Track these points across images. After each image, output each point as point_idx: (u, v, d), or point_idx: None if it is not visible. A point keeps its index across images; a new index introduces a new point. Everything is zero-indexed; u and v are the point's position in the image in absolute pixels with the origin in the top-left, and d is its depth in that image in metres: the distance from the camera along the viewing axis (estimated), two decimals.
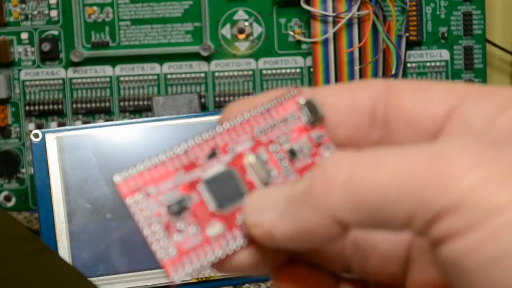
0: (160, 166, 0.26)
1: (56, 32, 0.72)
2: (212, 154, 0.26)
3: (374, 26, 0.66)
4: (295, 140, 0.27)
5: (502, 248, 0.20)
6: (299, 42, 0.71)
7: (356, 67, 0.67)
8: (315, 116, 0.27)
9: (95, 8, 0.71)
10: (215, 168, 0.26)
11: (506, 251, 0.20)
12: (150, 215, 0.25)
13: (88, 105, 0.72)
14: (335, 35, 0.67)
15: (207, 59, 0.72)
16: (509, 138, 0.24)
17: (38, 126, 0.72)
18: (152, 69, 0.72)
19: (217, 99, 0.71)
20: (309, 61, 0.71)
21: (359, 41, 0.67)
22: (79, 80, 0.72)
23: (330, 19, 0.67)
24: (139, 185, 0.25)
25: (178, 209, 0.25)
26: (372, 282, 0.28)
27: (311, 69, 0.70)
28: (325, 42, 0.67)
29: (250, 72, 0.71)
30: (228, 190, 0.26)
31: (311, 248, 0.26)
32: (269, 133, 0.26)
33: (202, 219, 0.25)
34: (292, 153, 0.26)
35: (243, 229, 0.25)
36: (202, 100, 0.71)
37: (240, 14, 0.71)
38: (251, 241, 0.25)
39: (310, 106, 0.27)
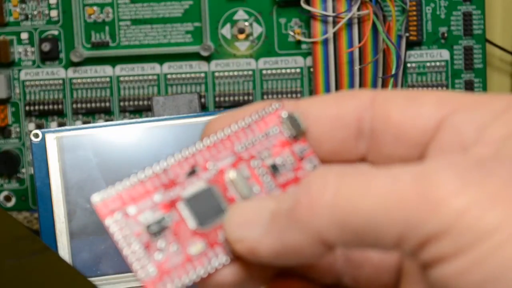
0: (139, 185, 0.25)
1: (56, 32, 0.72)
2: (192, 172, 0.26)
3: (374, 26, 0.66)
4: (277, 155, 0.26)
5: (491, 272, 0.21)
6: (299, 42, 0.71)
7: (356, 67, 0.67)
8: (297, 130, 0.26)
9: (95, 8, 0.71)
10: (195, 185, 0.26)
11: (495, 274, 0.20)
12: (130, 235, 0.25)
13: (88, 105, 0.72)
14: (335, 35, 0.67)
15: (207, 59, 0.72)
16: (497, 155, 0.23)
17: (38, 126, 0.72)
18: (152, 69, 0.72)
19: (217, 99, 0.71)
20: (309, 61, 0.71)
21: (359, 41, 0.67)
22: (79, 80, 0.72)
23: (330, 19, 0.67)
24: (117, 205, 0.25)
25: (158, 229, 0.25)
26: None
27: (311, 69, 0.70)
28: (325, 42, 0.67)
29: (250, 72, 0.71)
30: (208, 207, 0.25)
31: (297, 264, 0.25)
32: (250, 148, 0.26)
33: (183, 238, 0.25)
34: (275, 168, 0.26)
35: (226, 245, 0.25)
36: (202, 100, 0.71)
37: (240, 14, 0.71)
38: (236, 257, 0.25)
39: (292, 120, 0.26)
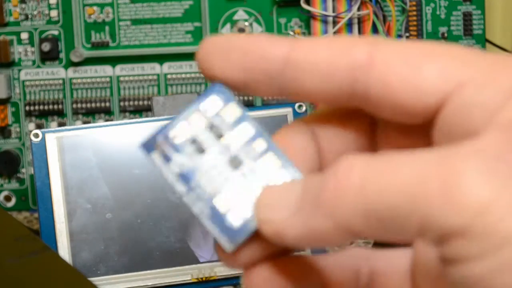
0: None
1: (56, 32, 0.72)
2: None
3: (374, 26, 0.66)
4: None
5: None
6: None
7: None
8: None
9: (95, 8, 0.71)
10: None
11: None
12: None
13: (88, 105, 0.72)
14: (335, 35, 0.67)
15: None
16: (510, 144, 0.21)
17: (38, 126, 0.72)
18: (152, 69, 0.72)
19: None
20: None
21: None
22: (79, 80, 0.72)
23: (330, 19, 0.67)
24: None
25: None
26: None
27: None
28: None
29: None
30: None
31: (321, 248, 0.25)
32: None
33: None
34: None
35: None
36: None
37: (240, 14, 0.71)
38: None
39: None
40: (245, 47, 0.24)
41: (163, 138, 0.25)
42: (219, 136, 0.25)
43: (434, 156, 0.21)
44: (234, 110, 0.25)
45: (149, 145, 0.25)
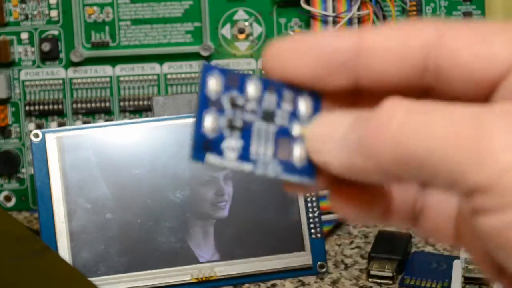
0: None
1: (56, 32, 0.72)
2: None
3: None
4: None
5: None
6: None
7: None
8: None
9: (95, 8, 0.71)
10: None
11: None
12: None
13: (88, 105, 0.72)
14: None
15: (207, 59, 0.72)
16: None
17: (38, 126, 0.72)
18: (152, 69, 0.72)
19: None
20: None
21: None
22: (79, 80, 0.72)
23: (330, 19, 0.67)
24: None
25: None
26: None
27: None
28: None
29: (251, 72, 0.71)
30: None
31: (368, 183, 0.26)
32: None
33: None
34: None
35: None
36: None
37: (240, 14, 0.71)
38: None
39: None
40: (317, 42, 0.26)
41: (203, 138, 0.25)
42: (242, 105, 0.26)
43: (470, 112, 0.22)
44: (234, 78, 0.26)
45: (198, 154, 0.25)
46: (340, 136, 0.25)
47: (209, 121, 0.25)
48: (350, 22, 0.67)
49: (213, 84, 0.26)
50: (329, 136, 0.25)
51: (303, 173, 0.26)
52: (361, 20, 0.67)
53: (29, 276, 0.38)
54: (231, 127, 0.25)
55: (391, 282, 0.60)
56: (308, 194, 0.61)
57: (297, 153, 0.26)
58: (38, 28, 0.72)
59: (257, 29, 0.71)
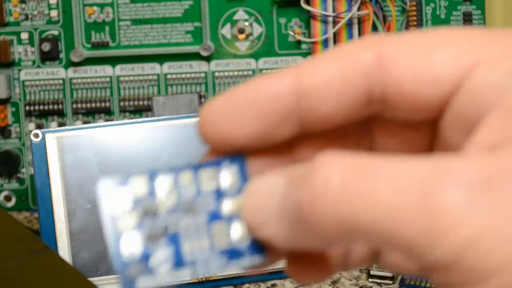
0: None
1: (56, 32, 0.72)
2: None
3: (374, 26, 0.66)
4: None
5: None
6: (299, 42, 0.71)
7: None
8: None
9: (95, 8, 0.71)
10: None
11: None
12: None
13: (88, 105, 0.72)
14: (335, 35, 0.67)
15: (207, 59, 0.72)
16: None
17: (38, 126, 0.72)
18: (152, 69, 0.72)
19: None
20: None
21: None
22: (79, 80, 0.72)
23: (330, 19, 0.67)
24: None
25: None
26: None
27: None
28: (325, 42, 0.67)
29: (250, 72, 0.71)
30: None
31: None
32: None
33: None
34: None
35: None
36: (202, 100, 0.71)
37: (240, 14, 0.71)
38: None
39: None
40: (252, 95, 0.23)
41: (127, 267, 0.22)
42: (154, 213, 0.23)
43: (417, 172, 0.19)
44: (140, 182, 0.23)
45: (128, 286, 0.22)
46: (276, 205, 0.21)
47: (127, 248, 0.22)
48: (350, 22, 0.67)
49: (118, 209, 0.22)
50: (264, 207, 0.22)
51: (251, 252, 0.23)
52: (361, 20, 0.67)
53: (29, 276, 0.38)
54: (153, 237, 0.22)
55: (391, 282, 0.60)
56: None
57: (237, 233, 0.23)
58: (38, 28, 0.72)
59: (257, 29, 0.71)
